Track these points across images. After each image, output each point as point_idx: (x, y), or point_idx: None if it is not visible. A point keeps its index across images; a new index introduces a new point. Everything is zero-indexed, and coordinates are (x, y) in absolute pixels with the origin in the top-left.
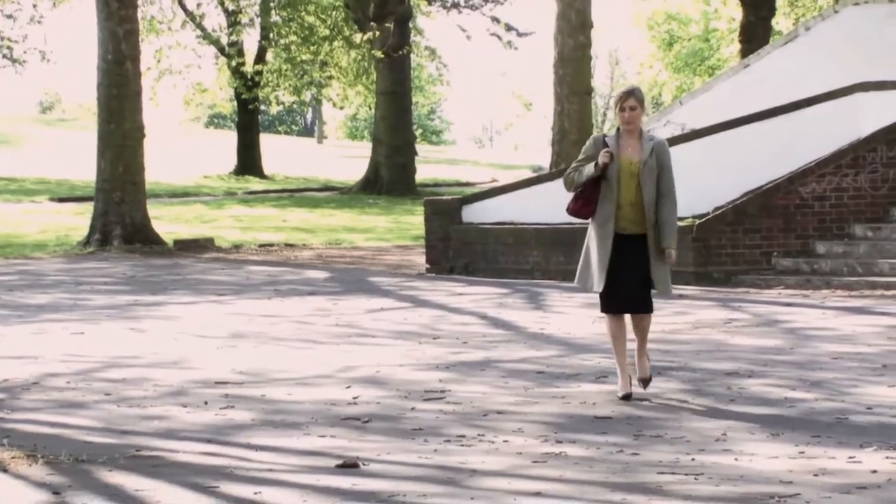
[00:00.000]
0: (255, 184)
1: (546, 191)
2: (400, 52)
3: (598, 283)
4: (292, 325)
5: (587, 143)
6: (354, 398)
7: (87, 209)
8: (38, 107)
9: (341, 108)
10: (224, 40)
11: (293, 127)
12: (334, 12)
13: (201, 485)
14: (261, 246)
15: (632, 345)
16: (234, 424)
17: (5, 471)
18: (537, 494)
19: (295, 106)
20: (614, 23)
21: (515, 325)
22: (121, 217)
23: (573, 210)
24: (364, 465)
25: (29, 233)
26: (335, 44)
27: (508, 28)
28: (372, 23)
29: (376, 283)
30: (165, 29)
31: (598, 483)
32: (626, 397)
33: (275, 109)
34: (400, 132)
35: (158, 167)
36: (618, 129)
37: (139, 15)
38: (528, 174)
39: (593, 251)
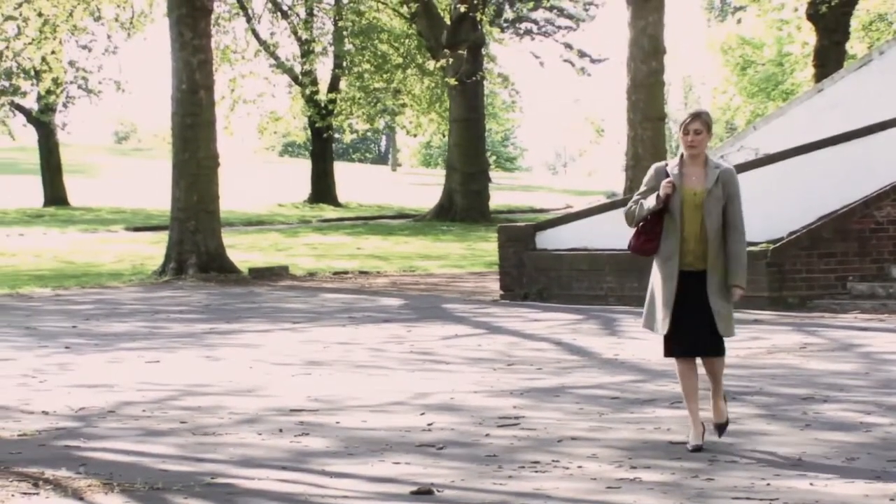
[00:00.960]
0: (329, 212)
1: (620, 216)
2: (473, 79)
3: (662, 325)
4: (367, 352)
5: (648, 173)
6: (429, 425)
7: (163, 238)
8: (114, 137)
9: (415, 135)
10: (297, 69)
11: (367, 155)
12: (407, 40)
13: None
14: (335, 273)
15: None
16: (309, 452)
17: (82, 499)
18: None
19: (368, 134)
20: (688, 48)
21: (590, 350)
22: (196, 246)
23: (635, 247)
24: (439, 491)
25: (105, 262)
26: (408, 71)
27: (581, 54)
28: (445, 50)
29: (450, 310)
30: (239, 58)
31: None
32: (697, 449)
33: (348, 137)
34: (473, 159)
35: (233, 196)
36: (681, 157)
37: (213, 44)
38: (602, 200)
39: (658, 290)
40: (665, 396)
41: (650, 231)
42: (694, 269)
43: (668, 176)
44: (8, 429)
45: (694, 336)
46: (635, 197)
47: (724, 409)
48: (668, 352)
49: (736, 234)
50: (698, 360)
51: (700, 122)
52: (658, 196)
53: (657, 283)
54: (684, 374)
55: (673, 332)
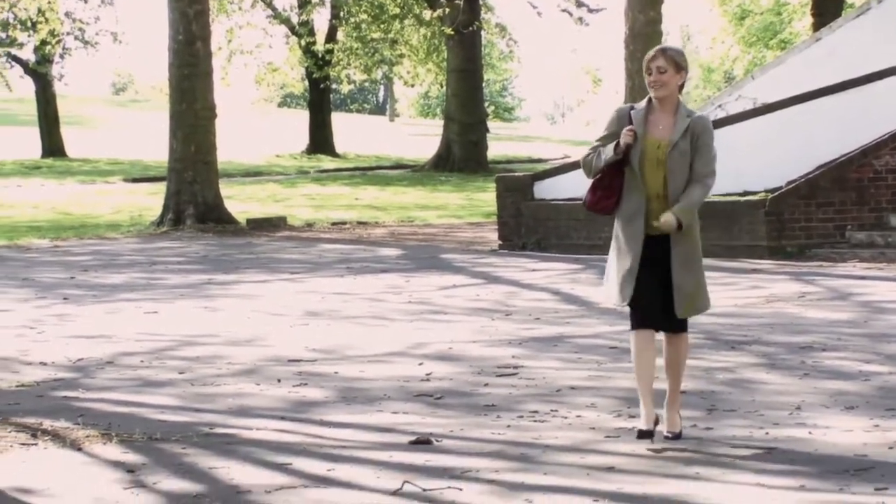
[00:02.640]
0: (327, 162)
1: None
2: (470, 29)
3: (622, 294)
4: (365, 303)
5: (610, 115)
6: (427, 375)
7: (160, 189)
8: (111, 88)
9: (412, 85)
10: (294, 19)
11: (365, 105)
12: None
13: (275, 462)
14: (333, 224)
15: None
16: (307, 402)
17: (80, 449)
18: (610, 469)
19: (366, 84)
20: None
21: (588, 300)
22: (193, 197)
23: (590, 203)
24: (437, 441)
25: (103, 213)
26: (406, 21)
27: (579, 4)
28: (442, 0)
29: (448, 260)
30: (236, 9)
31: (672, 458)
32: (645, 435)
33: (346, 88)
34: (471, 109)
35: (231, 147)
36: (648, 101)
37: None
38: None
39: (618, 255)
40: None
41: (608, 186)
42: (658, 234)
43: (631, 122)
44: (6, 380)
45: (653, 307)
46: (594, 143)
47: (678, 420)
48: (633, 323)
49: (698, 180)
50: (659, 339)
51: (664, 59)
52: (617, 144)
53: (618, 246)
54: (639, 348)
55: (635, 302)
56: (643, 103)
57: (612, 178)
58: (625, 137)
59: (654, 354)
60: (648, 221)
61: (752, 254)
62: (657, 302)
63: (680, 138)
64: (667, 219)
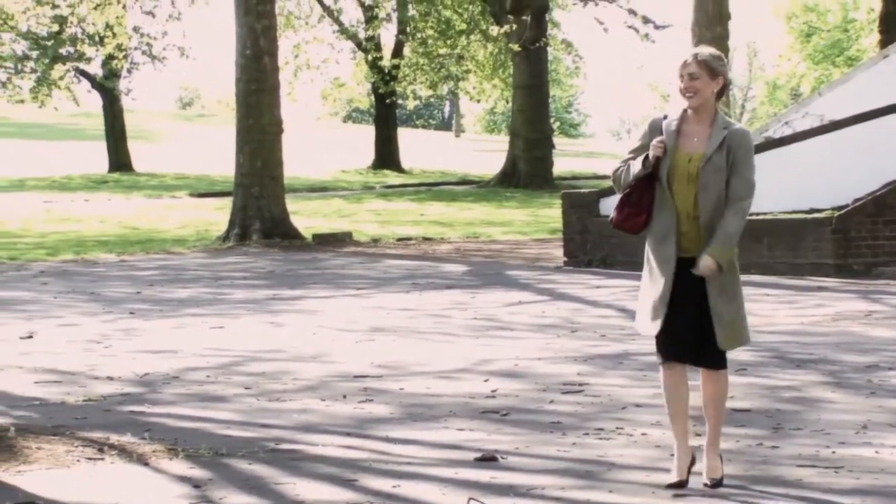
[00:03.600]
0: (392, 178)
1: None
2: (537, 45)
3: (652, 322)
4: (430, 319)
5: (643, 127)
6: (493, 391)
7: (227, 204)
8: (178, 103)
9: (478, 101)
10: (361, 35)
11: (430, 121)
12: (471, 6)
13: (340, 478)
14: (399, 240)
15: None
16: (372, 418)
17: (147, 464)
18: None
19: (432, 100)
20: (752, 14)
21: None
22: (260, 212)
23: (617, 221)
24: (503, 458)
25: (169, 228)
26: (472, 37)
27: (646, 20)
28: (508, 16)
29: (514, 277)
30: (303, 24)
31: (738, 476)
32: (677, 486)
33: (412, 104)
34: (537, 125)
35: (297, 162)
36: (684, 111)
37: (277, 10)
38: None
39: (650, 279)
40: (729, 363)
41: (636, 202)
42: (691, 256)
43: (662, 133)
44: (73, 394)
45: (685, 339)
46: (626, 156)
47: (720, 465)
48: (661, 355)
49: (735, 204)
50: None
51: (696, 64)
52: (646, 157)
53: (650, 269)
54: (669, 385)
55: (664, 330)
56: (677, 113)
57: (641, 195)
58: (654, 150)
59: (687, 392)
60: (680, 243)
61: (817, 272)
62: (692, 333)
63: (714, 152)
64: (705, 264)
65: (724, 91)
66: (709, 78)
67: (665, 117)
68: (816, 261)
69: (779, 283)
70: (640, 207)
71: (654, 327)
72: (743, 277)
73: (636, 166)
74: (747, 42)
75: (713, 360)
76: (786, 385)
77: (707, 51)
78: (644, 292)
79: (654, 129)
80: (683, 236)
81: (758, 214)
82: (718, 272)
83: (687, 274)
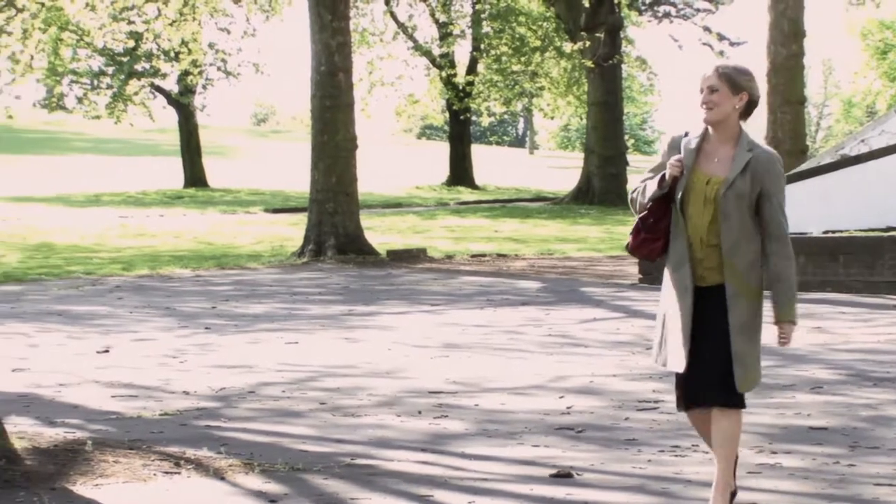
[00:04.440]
0: (466, 194)
1: None
2: (611, 62)
3: (676, 358)
4: (505, 335)
5: (662, 144)
6: (568, 408)
7: (301, 220)
8: (253, 119)
9: (552, 118)
10: (436, 52)
11: (505, 137)
12: (545, 23)
13: (415, 494)
14: (473, 256)
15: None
16: (447, 434)
17: (223, 479)
18: None
19: (506, 116)
20: (828, 32)
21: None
22: (334, 227)
23: (632, 247)
24: (578, 474)
25: (244, 243)
26: (546, 54)
27: (720, 38)
28: (583, 33)
29: (588, 294)
30: (377, 41)
31: (814, 494)
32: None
33: (486, 120)
34: (612, 142)
35: (371, 178)
36: (705, 129)
37: (351, 27)
38: None
39: (668, 310)
40: (805, 381)
41: (653, 227)
42: (705, 285)
43: (681, 151)
44: (150, 408)
45: (709, 378)
46: (644, 176)
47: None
48: (682, 401)
49: (777, 246)
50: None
51: (716, 76)
52: (662, 177)
53: (668, 300)
54: (700, 429)
55: (691, 371)
56: (699, 131)
57: (658, 218)
58: (670, 168)
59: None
60: (695, 271)
61: (894, 290)
62: (713, 370)
63: (738, 176)
64: (786, 338)
65: (750, 109)
66: (730, 92)
67: (686, 134)
68: (893, 279)
69: (854, 301)
70: (657, 232)
71: (678, 363)
72: (818, 295)
73: (652, 187)
74: (823, 59)
75: (730, 397)
76: (862, 403)
77: (732, 64)
78: (662, 325)
79: (673, 147)
80: (699, 264)
81: (834, 232)
82: (791, 327)
83: (705, 306)
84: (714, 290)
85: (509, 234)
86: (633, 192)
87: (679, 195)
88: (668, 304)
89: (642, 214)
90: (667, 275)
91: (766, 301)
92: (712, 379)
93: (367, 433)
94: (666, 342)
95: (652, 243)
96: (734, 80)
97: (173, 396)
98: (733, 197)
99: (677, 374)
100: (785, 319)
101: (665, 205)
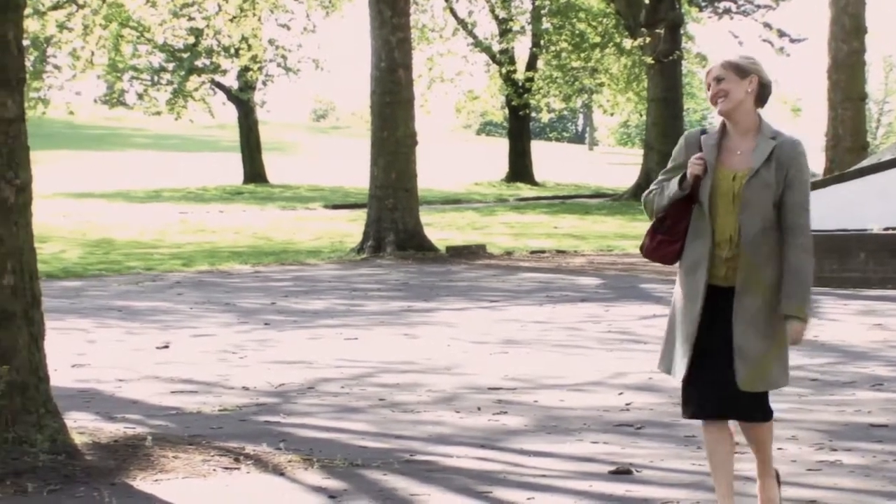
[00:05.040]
0: (526, 190)
1: (818, 197)
2: (671, 59)
3: (679, 365)
4: (564, 332)
5: (679, 143)
6: (627, 404)
7: (361, 216)
8: (312, 115)
9: (612, 114)
10: (495, 48)
11: (564, 134)
12: (605, 19)
13: (474, 490)
14: (532, 252)
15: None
16: (506, 430)
17: (282, 474)
18: (812, 503)
19: (565, 113)
20: (889, 28)
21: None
22: (394, 223)
23: (648, 250)
24: (637, 471)
25: (303, 239)
26: (606, 50)
27: (781, 34)
28: (643, 29)
29: (648, 290)
30: (437, 37)
31: (874, 492)
32: None
33: (546, 116)
34: (671, 138)
35: (430, 174)
36: (723, 124)
37: (411, 23)
38: None
39: (677, 315)
40: (865, 379)
41: (671, 228)
42: (728, 286)
43: (701, 149)
44: (209, 404)
45: (719, 387)
46: (659, 177)
47: (776, 495)
48: (684, 406)
49: (796, 237)
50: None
51: (720, 68)
52: (683, 177)
53: (678, 304)
54: (710, 441)
55: (691, 377)
56: (717, 127)
57: (676, 220)
58: (692, 167)
59: (730, 450)
60: (719, 272)
61: None
62: (721, 380)
63: (762, 166)
64: (796, 337)
65: (764, 95)
66: (737, 77)
67: (703, 132)
68: None
69: None
70: (675, 234)
71: (679, 371)
72: (878, 292)
73: (672, 188)
74: (884, 56)
75: (751, 409)
76: None
77: (735, 53)
78: (670, 329)
79: (691, 145)
80: (724, 264)
81: (894, 228)
82: (804, 326)
83: (719, 307)
84: (730, 291)
85: (568, 230)
86: (647, 194)
87: (706, 194)
88: (678, 309)
89: (660, 216)
90: (679, 277)
91: None
92: (725, 387)
93: (426, 429)
94: (670, 348)
95: (669, 246)
96: (739, 66)
97: (232, 392)
98: (758, 187)
99: (682, 382)
100: (792, 315)
101: (685, 206)
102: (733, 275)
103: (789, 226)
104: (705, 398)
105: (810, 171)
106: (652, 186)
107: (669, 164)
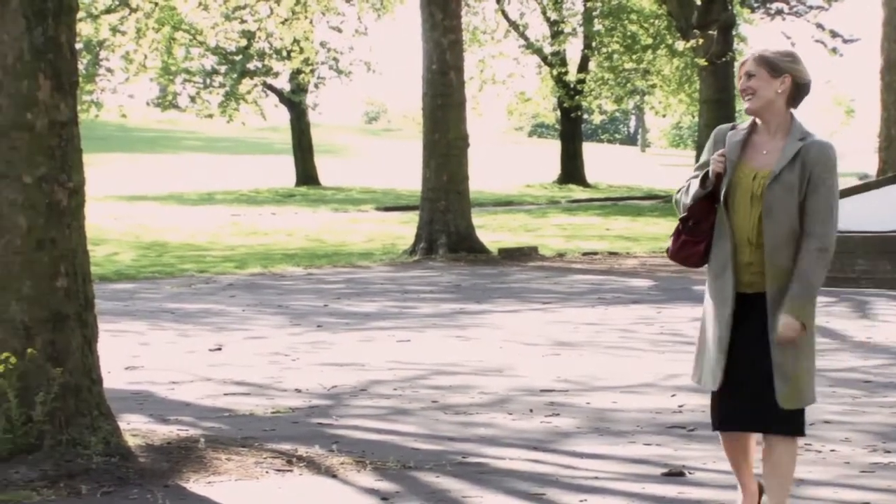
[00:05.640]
0: (578, 192)
1: (873, 198)
2: (723, 60)
3: (711, 375)
4: (616, 334)
5: (710, 139)
6: (680, 406)
7: (413, 218)
8: (364, 117)
9: (664, 116)
10: (547, 49)
11: (616, 135)
12: (657, 20)
13: (527, 492)
14: (584, 254)
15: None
16: (559, 432)
17: (335, 476)
18: None
19: (617, 114)
20: None
21: (842, 333)
22: (446, 226)
23: (672, 251)
24: (690, 473)
25: (355, 241)
26: (658, 52)
27: (834, 35)
28: (695, 30)
29: (700, 292)
30: (489, 39)
31: None
32: None
33: (598, 118)
34: None
35: (482, 176)
36: (753, 122)
37: (463, 25)
38: (854, 182)
39: (707, 322)
40: None
41: (694, 228)
42: (754, 292)
43: (725, 145)
44: (262, 406)
45: (745, 398)
46: (690, 174)
47: None
48: (714, 419)
49: (811, 243)
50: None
51: (753, 62)
52: (706, 175)
53: (708, 310)
54: (730, 453)
55: (723, 390)
56: (746, 123)
57: (700, 220)
58: (713, 164)
59: (750, 456)
60: (741, 277)
61: None
62: (755, 388)
63: (785, 167)
64: (786, 327)
65: (799, 96)
66: (769, 76)
67: (733, 127)
68: None
69: None
70: (699, 235)
71: (713, 382)
72: None
73: (695, 186)
74: None
75: (783, 422)
76: None
77: (772, 48)
78: (701, 337)
79: (718, 141)
80: (745, 269)
81: None
82: (802, 331)
83: (751, 316)
84: (762, 297)
85: (621, 232)
86: (678, 192)
87: (723, 193)
88: (707, 315)
89: (684, 216)
90: (708, 282)
91: (819, 308)
92: (754, 399)
93: (479, 431)
94: (701, 357)
95: (692, 247)
96: (773, 63)
97: (285, 394)
98: (780, 190)
99: (712, 393)
100: (788, 311)
101: (708, 205)
102: (752, 279)
103: (808, 231)
104: (736, 408)
105: (837, 175)
106: (681, 184)
107: (699, 161)
